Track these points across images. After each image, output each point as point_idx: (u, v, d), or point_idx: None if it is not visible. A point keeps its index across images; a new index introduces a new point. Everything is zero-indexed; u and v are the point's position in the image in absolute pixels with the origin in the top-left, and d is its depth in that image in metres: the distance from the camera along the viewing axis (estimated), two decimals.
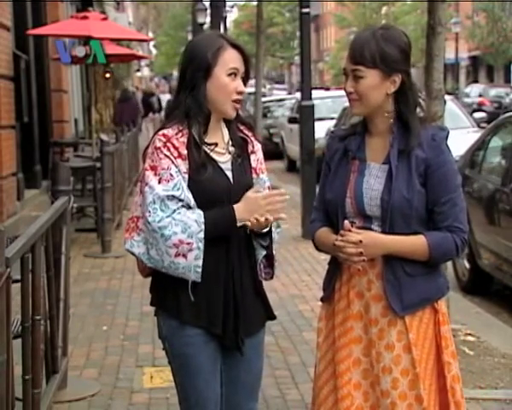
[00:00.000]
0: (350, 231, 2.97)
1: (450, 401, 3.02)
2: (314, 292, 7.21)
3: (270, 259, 3.13)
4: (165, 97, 24.69)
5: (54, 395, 4.67)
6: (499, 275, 7.51)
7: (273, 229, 3.10)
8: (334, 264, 3.13)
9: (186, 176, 2.97)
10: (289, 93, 37.63)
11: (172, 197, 2.93)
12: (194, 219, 2.92)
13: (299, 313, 6.77)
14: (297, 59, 54.17)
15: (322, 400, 3.12)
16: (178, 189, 2.94)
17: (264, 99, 22.38)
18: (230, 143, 3.10)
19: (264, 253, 3.11)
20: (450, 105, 11.90)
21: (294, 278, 8.02)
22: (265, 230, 3.05)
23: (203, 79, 3.00)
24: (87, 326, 6.55)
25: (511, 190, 7.10)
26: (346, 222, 2.99)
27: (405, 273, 2.99)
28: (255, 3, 20.60)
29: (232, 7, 54.14)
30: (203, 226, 2.92)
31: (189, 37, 41.18)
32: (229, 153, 3.09)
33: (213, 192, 2.99)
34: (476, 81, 47.74)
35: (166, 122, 3.06)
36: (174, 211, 2.92)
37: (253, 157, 3.15)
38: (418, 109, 3.05)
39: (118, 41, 15.67)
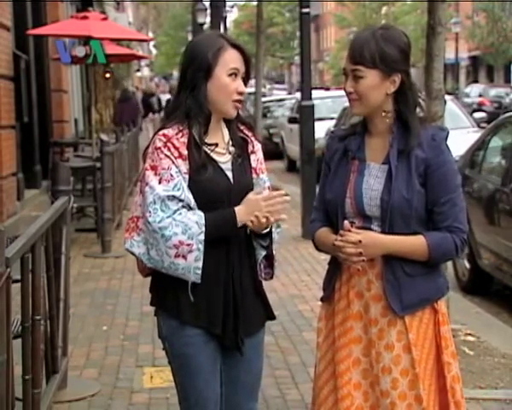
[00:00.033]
0: (349, 231, 2.97)
1: (450, 401, 3.02)
2: (314, 292, 7.21)
3: (270, 259, 3.13)
4: (166, 97, 24.66)
5: (54, 395, 4.67)
6: (499, 275, 7.51)
7: (273, 229, 3.10)
8: (333, 264, 3.13)
9: (186, 176, 2.97)
10: (289, 93, 37.64)
11: (173, 197, 2.93)
12: (195, 220, 2.92)
13: (298, 313, 6.78)
14: (297, 59, 54.17)
15: (322, 400, 3.12)
16: (179, 189, 2.94)
17: (264, 99, 22.38)
18: (231, 143, 3.10)
19: (264, 253, 3.11)
20: (450, 105, 11.90)
21: (294, 278, 8.02)
22: (266, 230, 3.05)
23: (204, 80, 3.00)
24: (87, 326, 6.55)
25: (511, 190, 7.10)
26: (346, 222, 2.99)
27: (405, 273, 2.99)
28: (255, 3, 20.59)
29: (232, 7, 54.20)
30: (204, 228, 2.92)
31: (189, 37, 41.21)
32: (230, 153, 3.09)
33: (213, 192, 2.99)
34: (476, 81, 47.75)
35: (167, 122, 3.05)
36: (175, 211, 2.92)
37: (253, 157, 3.15)
38: (418, 109, 3.05)
39: (118, 41, 15.67)
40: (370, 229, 3.00)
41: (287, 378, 5.30)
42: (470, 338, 6.00)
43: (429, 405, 3.00)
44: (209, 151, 3.03)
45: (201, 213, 2.94)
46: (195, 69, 3.00)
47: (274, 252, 3.13)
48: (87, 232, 10.52)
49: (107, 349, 5.98)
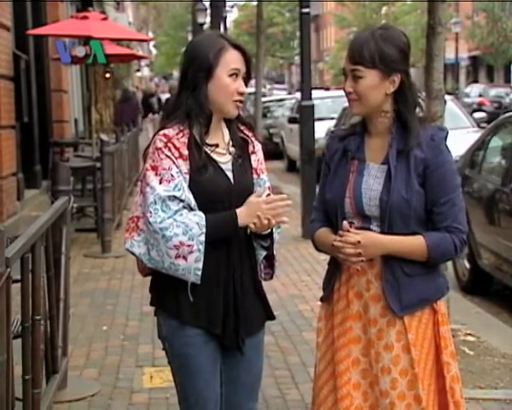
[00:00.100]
0: (348, 231, 2.97)
1: (450, 401, 3.03)
2: (314, 292, 7.21)
3: (270, 259, 3.13)
4: (166, 97, 24.66)
5: (54, 395, 4.67)
6: (499, 275, 7.51)
7: (274, 230, 3.10)
8: (333, 264, 3.13)
9: (187, 176, 2.97)
10: (289, 93, 37.62)
11: (173, 198, 2.93)
12: (196, 221, 2.92)
13: (299, 313, 6.78)
14: (297, 59, 54.17)
15: (321, 400, 3.13)
16: (179, 189, 2.94)
17: (264, 99, 22.38)
18: (231, 143, 3.11)
19: (264, 253, 3.11)
20: (451, 105, 11.90)
21: (294, 278, 8.02)
22: (266, 231, 3.05)
23: (204, 80, 3.00)
24: (87, 326, 6.55)
25: (511, 190, 7.10)
26: (345, 223, 2.99)
27: (404, 274, 2.99)
28: (255, 3, 20.59)
29: (232, 7, 54.18)
30: (204, 229, 2.92)
31: (189, 37, 41.22)
32: (230, 153, 3.09)
33: (214, 193, 3.00)
34: (476, 81, 47.75)
35: (167, 122, 3.05)
36: (175, 212, 2.92)
37: (253, 157, 3.15)
38: (417, 109, 3.05)
39: (118, 41, 15.66)
40: (370, 229, 3.00)
41: (287, 378, 5.30)
42: (470, 338, 6.00)
43: (428, 405, 3.00)
44: (209, 151, 3.03)
45: (202, 215, 2.94)
46: (196, 69, 3.00)
47: (275, 252, 3.13)
48: (87, 232, 10.52)
49: (107, 349, 5.98)
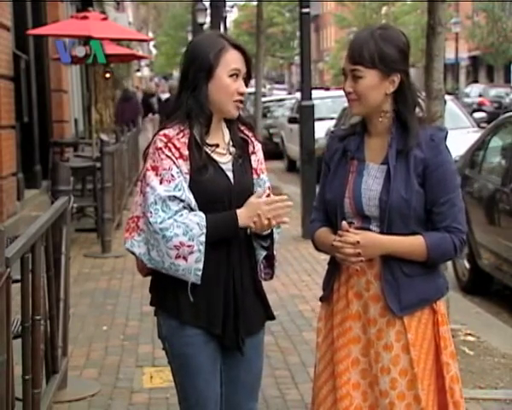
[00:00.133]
0: (348, 231, 2.97)
1: (449, 401, 3.03)
2: (314, 292, 7.21)
3: (270, 259, 3.13)
4: (166, 97, 24.65)
5: (54, 395, 4.67)
6: (499, 275, 7.51)
7: (274, 230, 3.10)
8: (333, 264, 3.13)
9: (187, 176, 2.97)
10: (289, 93, 37.63)
11: (174, 198, 2.93)
12: (196, 221, 2.92)
13: (299, 313, 6.78)
14: (297, 59, 54.17)
15: (321, 400, 3.13)
16: (180, 189, 2.94)
17: (264, 99, 22.38)
18: (231, 143, 3.11)
19: (264, 253, 3.11)
20: (451, 105, 11.91)
21: (294, 278, 8.02)
22: (267, 232, 3.05)
23: (205, 80, 3.00)
24: (87, 326, 6.55)
25: (511, 190, 7.10)
26: (344, 223, 2.99)
27: (403, 274, 2.99)
28: (255, 3, 20.59)
29: (232, 7, 54.18)
30: (205, 230, 2.92)
31: (189, 37, 41.21)
32: (230, 153, 3.09)
33: (214, 193, 3.00)
34: (476, 81, 47.75)
35: (167, 122, 3.05)
36: (176, 212, 2.92)
37: (253, 158, 3.15)
38: (417, 109, 3.05)
39: (118, 41, 15.66)
40: (369, 229, 3.00)
41: (287, 378, 5.30)
42: (470, 338, 6.00)
43: (428, 405, 3.00)
44: (210, 152, 3.03)
45: (203, 215, 2.94)
46: (196, 69, 3.00)
47: (275, 252, 3.13)
48: (87, 232, 10.53)
49: (107, 349, 5.99)
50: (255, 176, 3.14)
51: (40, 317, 4.05)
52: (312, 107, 10.34)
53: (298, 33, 13.92)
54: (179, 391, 3.15)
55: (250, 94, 17.51)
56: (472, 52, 50.04)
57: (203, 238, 2.91)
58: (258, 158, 3.16)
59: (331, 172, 3.13)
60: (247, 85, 3.07)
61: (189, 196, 2.95)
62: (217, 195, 3.00)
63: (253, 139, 3.17)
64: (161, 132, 3.01)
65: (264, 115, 21.41)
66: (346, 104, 3.09)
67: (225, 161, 3.07)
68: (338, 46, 54.26)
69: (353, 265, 2.99)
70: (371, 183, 3.02)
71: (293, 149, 16.54)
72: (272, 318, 3.22)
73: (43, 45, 14.55)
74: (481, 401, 4.87)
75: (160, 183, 2.94)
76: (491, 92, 35.82)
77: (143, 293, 6.98)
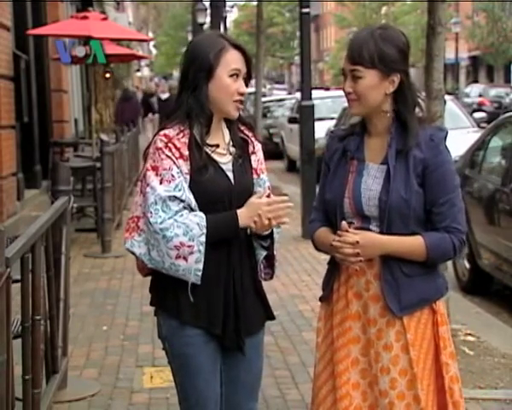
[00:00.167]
0: (347, 231, 2.97)
1: (448, 401, 3.03)
2: (314, 292, 7.21)
3: (270, 259, 3.13)
4: (165, 96, 24.64)
5: (54, 395, 4.67)
6: (499, 275, 7.51)
7: (274, 230, 3.10)
8: (333, 264, 3.13)
9: (187, 177, 2.97)
10: (289, 93, 37.62)
11: (174, 198, 2.93)
12: (197, 222, 2.92)
13: (299, 313, 6.78)
14: (297, 59, 54.17)
15: (321, 399, 3.13)
16: (180, 190, 2.94)
17: (264, 99, 22.38)
18: (231, 143, 3.11)
19: (264, 253, 3.11)
20: (451, 105, 11.91)
21: (294, 278, 8.02)
22: (267, 232, 3.06)
23: (205, 80, 3.00)
24: (87, 326, 6.55)
25: (511, 190, 7.10)
26: (344, 223, 2.99)
27: (403, 274, 2.99)
28: (255, 3, 20.60)
29: (232, 7, 54.17)
30: (205, 230, 2.92)
31: (189, 37, 41.20)
32: (230, 154, 3.09)
33: (214, 193, 3.00)
34: (476, 81, 47.75)
35: (167, 122, 3.05)
36: (176, 212, 2.92)
37: (253, 158, 3.15)
38: (417, 109, 3.05)
39: (118, 41, 15.66)
40: (369, 229, 3.00)
41: (287, 378, 5.30)
42: (470, 338, 6.00)
43: (427, 405, 3.00)
44: (210, 152, 3.03)
45: (203, 215, 2.94)
46: (197, 69, 3.00)
47: (275, 252, 3.13)
48: (87, 232, 10.53)
49: (107, 349, 5.99)
50: (255, 176, 3.14)
51: (40, 317, 4.05)
52: (312, 107, 10.34)
53: (298, 33, 13.93)
54: (179, 391, 3.15)
55: (250, 94, 17.53)
56: (472, 52, 50.04)
57: (203, 238, 2.91)
58: (258, 158, 3.16)
59: (331, 172, 3.13)
60: (247, 85, 3.07)
61: (190, 197, 2.95)
62: (217, 195, 3.00)
63: (253, 139, 3.17)
64: (161, 132, 3.01)
65: (264, 115, 21.41)
66: (346, 104, 3.09)
67: (225, 161, 3.07)
68: (338, 46, 54.23)
69: (353, 265, 2.99)
70: (371, 183, 3.02)
71: (293, 149, 16.54)
72: (272, 318, 3.22)
73: (43, 45, 14.55)
74: (481, 401, 4.87)
75: (161, 183, 2.93)
76: (491, 92, 35.82)
77: (143, 293, 6.98)
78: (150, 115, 22.82)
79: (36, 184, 12.86)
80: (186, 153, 2.97)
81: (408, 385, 2.98)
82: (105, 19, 12.65)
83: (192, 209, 2.96)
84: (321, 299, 3.20)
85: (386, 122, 3.03)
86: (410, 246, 2.97)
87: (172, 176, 2.94)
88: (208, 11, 21.51)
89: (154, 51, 72.21)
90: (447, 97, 8.37)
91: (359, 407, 3.03)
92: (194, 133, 3.00)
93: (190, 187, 2.97)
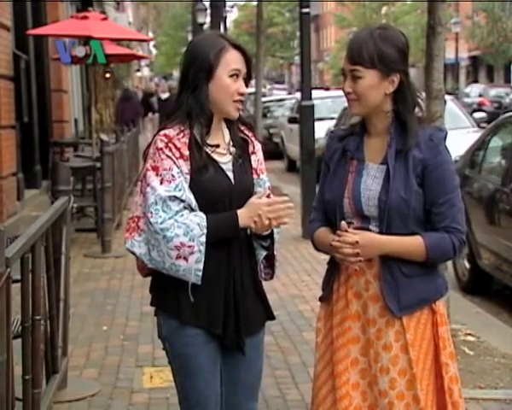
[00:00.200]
0: (347, 231, 2.97)
1: (448, 401, 3.03)
2: (314, 292, 7.21)
3: (270, 259, 3.13)
4: (165, 96, 24.65)
5: (54, 395, 4.68)
6: (499, 275, 7.51)
7: (274, 230, 3.10)
8: (332, 264, 3.13)
9: (188, 177, 2.97)
10: (289, 93, 37.62)
11: (174, 198, 2.93)
12: (197, 222, 2.92)
13: (299, 313, 6.78)
14: (297, 59, 54.17)
15: (320, 400, 3.13)
16: (180, 190, 2.94)
17: (264, 99, 22.38)
18: (231, 143, 3.11)
19: (264, 253, 3.11)
20: (451, 105, 11.90)
21: (294, 278, 8.02)
22: (267, 232, 3.06)
23: (205, 80, 3.00)
24: (87, 326, 6.56)
25: (511, 190, 7.10)
26: (343, 223, 2.99)
27: (403, 274, 2.99)
28: (255, 3, 20.60)
29: (232, 7, 54.20)
30: (205, 230, 2.92)
31: (189, 37, 41.19)
32: (230, 154, 3.09)
33: (215, 193, 3.00)
34: (476, 81, 47.75)
35: (168, 122, 3.05)
36: (176, 212, 2.92)
37: (253, 158, 3.15)
38: (417, 109, 3.05)
39: (118, 41, 15.66)
40: (368, 229, 3.00)
41: (287, 378, 5.30)
42: (470, 338, 6.00)
43: (427, 405, 3.00)
44: (210, 152, 3.03)
45: (203, 215, 2.94)
46: (197, 69, 3.00)
47: (275, 252, 3.13)
48: (87, 232, 10.53)
49: (107, 349, 5.99)
50: (255, 176, 3.14)
51: (40, 317, 4.05)
52: (312, 107, 10.34)
53: (298, 33, 13.93)
54: (179, 391, 3.15)
55: (250, 94, 17.52)
56: (472, 52, 50.04)
57: (204, 239, 2.91)
58: (258, 158, 3.16)
59: (330, 172, 3.13)
60: (247, 86, 3.07)
61: (190, 197, 2.95)
62: (217, 195, 3.00)
63: (252, 139, 3.17)
64: (162, 132, 3.01)
65: (264, 115, 21.41)
66: (346, 104, 3.10)
67: (225, 161, 3.07)
68: (338, 46, 54.22)
69: (352, 265, 3.00)
70: (370, 183, 3.02)
71: (293, 149, 16.54)
72: (272, 318, 3.22)
73: (43, 45, 14.55)
74: (481, 401, 4.87)
75: (161, 183, 2.94)
76: (491, 92, 35.82)
77: (143, 293, 6.98)
78: (150, 115, 22.83)
79: (36, 184, 12.86)
80: (186, 153, 2.97)
81: (407, 385, 2.98)
82: (105, 19, 12.65)
83: (192, 209, 2.96)
84: (320, 299, 3.20)
85: (385, 122, 3.03)
86: (409, 246, 2.97)
87: (173, 176, 2.94)
88: (208, 11, 21.52)
89: (154, 51, 72.23)
90: (447, 97, 8.37)
91: (359, 407, 3.03)
92: (194, 133, 3.01)
93: (191, 187, 2.97)
